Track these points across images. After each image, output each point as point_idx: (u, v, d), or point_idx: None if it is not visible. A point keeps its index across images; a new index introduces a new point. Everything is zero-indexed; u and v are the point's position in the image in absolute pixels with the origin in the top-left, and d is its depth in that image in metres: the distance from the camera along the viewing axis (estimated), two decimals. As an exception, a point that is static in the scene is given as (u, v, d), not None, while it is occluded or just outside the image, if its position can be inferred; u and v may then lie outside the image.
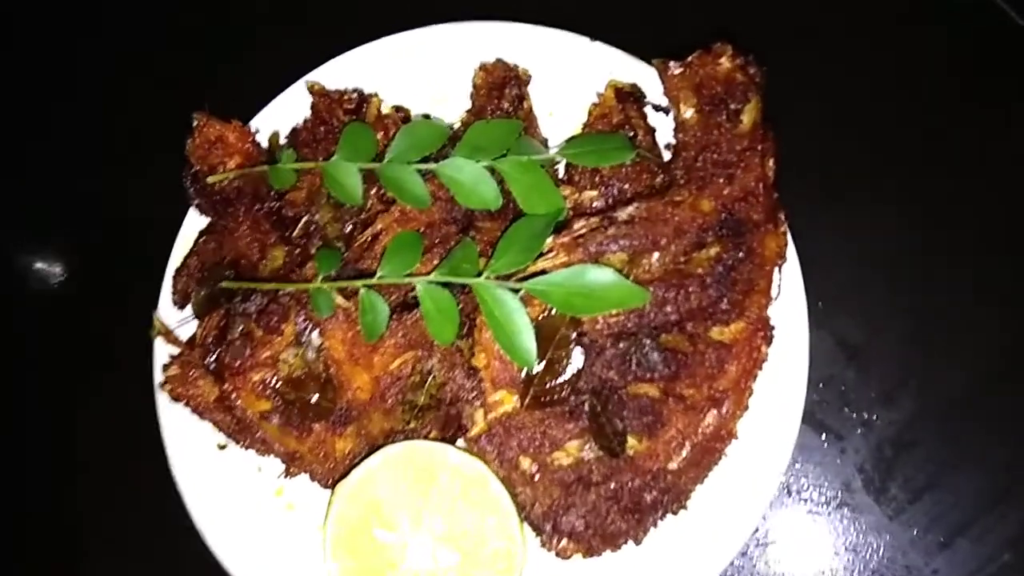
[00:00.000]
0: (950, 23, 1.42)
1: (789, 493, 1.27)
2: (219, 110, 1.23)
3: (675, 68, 1.11)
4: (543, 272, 1.06)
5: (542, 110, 1.27)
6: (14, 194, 1.54)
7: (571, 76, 1.26)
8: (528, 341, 1.03)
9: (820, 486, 1.26)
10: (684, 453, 1.12)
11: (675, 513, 1.13)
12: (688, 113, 1.10)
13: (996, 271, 1.31)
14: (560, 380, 1.06)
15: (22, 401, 1.44)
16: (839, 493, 1.26)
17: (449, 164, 1.11)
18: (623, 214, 1.08)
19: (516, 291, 1.05)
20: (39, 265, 1.51)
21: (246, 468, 1.23)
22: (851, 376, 1.28)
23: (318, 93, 1.20)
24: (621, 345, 1.07)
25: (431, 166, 1.11)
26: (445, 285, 1.07)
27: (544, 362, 1.06)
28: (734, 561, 1.25)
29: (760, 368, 1.13)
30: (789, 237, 1.18)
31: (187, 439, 1.22)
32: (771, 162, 1.11)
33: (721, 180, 1.07)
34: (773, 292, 1.13)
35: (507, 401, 1.08)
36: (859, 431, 1.27)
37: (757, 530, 1.26)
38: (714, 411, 1.12)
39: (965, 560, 1.24)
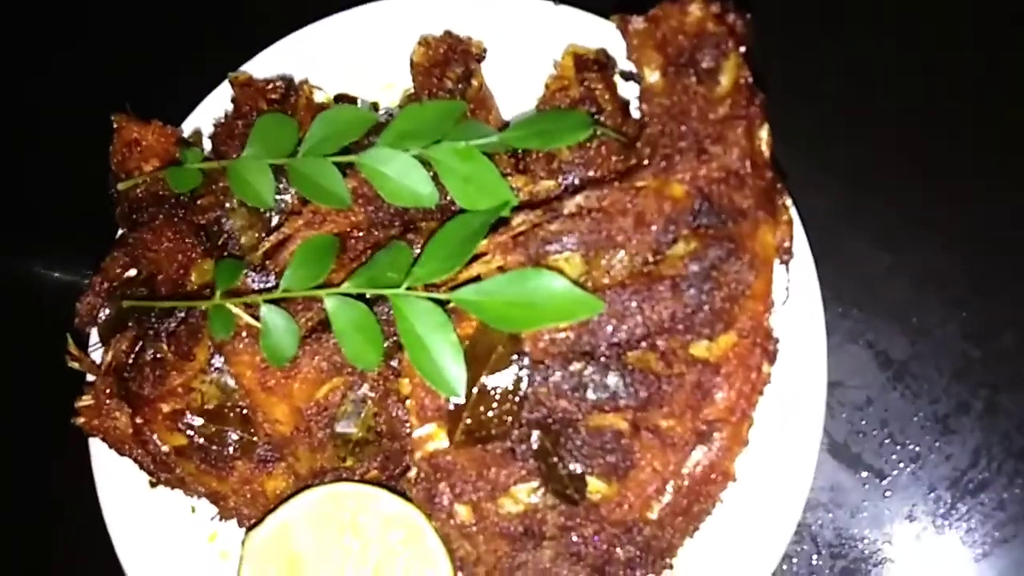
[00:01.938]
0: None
1: (817, 546, 1.02)
2: (157, 112, 1.11)
3: (637, 23, 0.90)
4: (477, 279, 0.88)
5: (505, 89, 1.08)
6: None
7: (535, 48, 1.07)
8: (452, 364, 0.85)
9: (857, 538, 1.01)
10: (665, 500, 0.90)
11: (657, 574, 0.92)
12: (653, 77, 0.89)
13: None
14: (498, 410, 0.87)
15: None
16: (882, 547, 1.00)
17: (372, 154, 0.94)
18: (570, 205, 0.87)
19: (443, 303, 0.87)
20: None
21: (178, 508, 1.10)
22: (895, 399, 1.02)
23: (240, 84, 1.06)
24: (573, 367, 0.86)
25: (351, 158, 0.95)
26: (364, 299, 0.91)
27: (477, 389, 0.87)
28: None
29: (761, 392, 0.90)
30: (799, 227, 0.95)
31: (118, 473, 1.10)
32: (763, 133, 0.88)
33: (693, 157, 0.85)
34: (777, 296, 0.90)
35: (436, 436, 0.89)
36: (907, 469, 1.01)
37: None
38: (702, 447, 0.89)
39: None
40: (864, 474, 1.01)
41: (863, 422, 1.02)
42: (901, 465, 1.01)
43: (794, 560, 1.01)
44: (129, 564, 1.08)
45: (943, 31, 1.12)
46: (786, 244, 0.90)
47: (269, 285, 0.95)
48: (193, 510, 1.10)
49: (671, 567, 0.92)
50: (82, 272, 1.37)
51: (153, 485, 1.10)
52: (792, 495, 0.92)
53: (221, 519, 1.05)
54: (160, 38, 1.47)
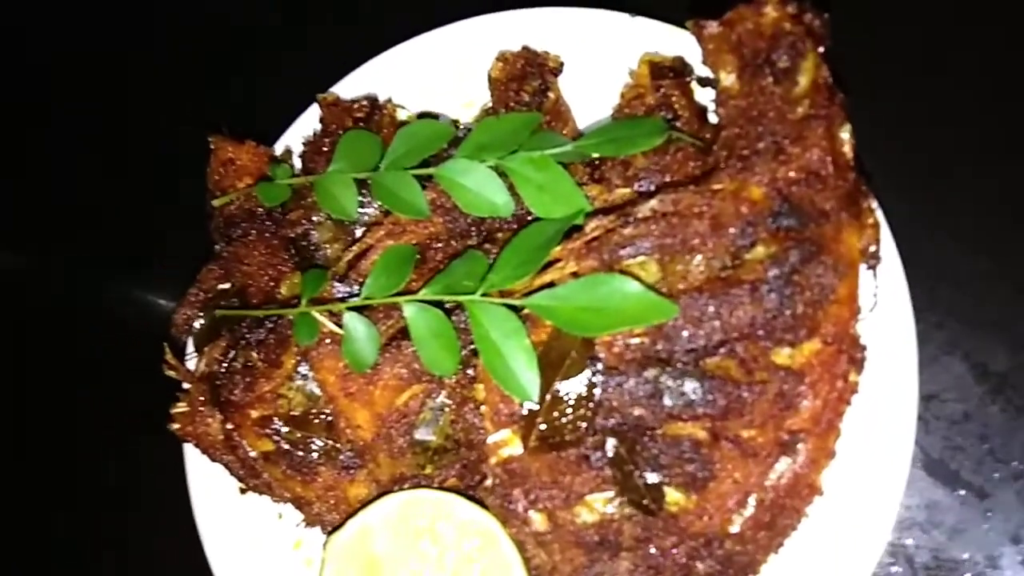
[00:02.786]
0: None
1: (913, 569, 0.96)
2: (255, 132, 1.17)
3: (711, 27, 0.89)
4: (551, 285, 0.88)
5: (584, 101, 1.09)
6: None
7: (614, 60, 1.08)
8: (526, 369, 0.85)
9: (957, 560, 0.95)
10: (747, 513, 0.87)
11: (740, 590, 0.89)
12: (728, 80, 0.88)
13: None
14: (571, 416, 0.86)
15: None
16: (985, 571, 0.94)
17: (449, 166, 0.96)
18: (644, 209, 0.87)
19: (517, 309, 0.87)
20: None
21: (267, 514, 1.13)
22: (996, 413, 0.97)
23: (328, 104, 1.10)
24: (648, 373, 0.85)
25: (430, 170, 0.97)
26: (442, 306, 0.92)
27: (551, 395, 0.87)
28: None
29: (848, 401, 0.87)
30: (887, 230, 0.92)
31: (210, 480, 1.14)
32: (844, 133, 0.86)
33: (771, 158, 0.84)
34: (864, 303, 0.87)
35: (511, 442, 0.89)
36: (1011, 487, 0.95)
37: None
38: (786, 459, 0.87)
39: None
40: (963, 492, 0.96)
41: (960, 437, 0.96)
42: (1003, 483, 0.95)
43: (888, 583, 0.97)
44: (218, 567, 1.11)
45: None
46: (872, 248, 0.87)
47: (352, 293, 0.98)
48: (280, 516, 1.13)
49: (754, 584, 0.89)
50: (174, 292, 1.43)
51: (243, 492, 1.13)
52: (882, 511, 0.88)
53: (306, 526, 1.08)
54: (252, 62, 1.53)
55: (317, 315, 0.95)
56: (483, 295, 0.88)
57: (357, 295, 0.96)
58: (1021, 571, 0.92)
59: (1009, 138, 1.03)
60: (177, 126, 1.42)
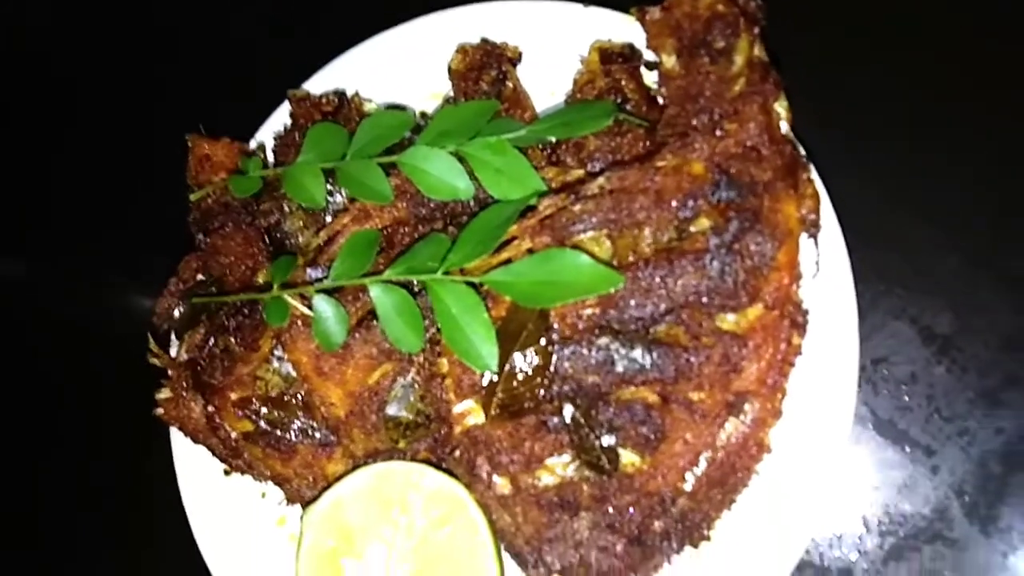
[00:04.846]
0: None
1: (866, 525, 1.00)
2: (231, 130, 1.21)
3: (653, 13, 0.94)
4: (508, 262, 0.93)
5: (541, 89, 1.14)
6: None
7: (568, 49, 1.12)
8: (484, 341, 0.89)
9: (908, 515, 0.99)
10: (699, 471, 0.92)
11: (695, 545, 0.93)
12: (669, 62, 0.93)
13: None
14: (529, 384, 0.91)
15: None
16: (932, 523, 0.98)
17: (411, 153, 1.00)
18: (592, 187, 0.92)
19: (476, 287, 0.92)
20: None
21: (251, 494, 1.18)
22: (941, 374, 1.01)
23: (297, 99, 1.15)
24: (600, 341, 0.90)
25: (393, 158, 1.02)
26: (409, 288, 0.97)
27: (509, 365, 0.91)
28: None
29: (792, 363, 0.91)
30: (826, 199, 0.96)
31: (196, 462, 1.18)
32: (780, 108, 0.90)
33: (709, 133, 0.88)
34: (806, 269, 0.92)
35: (474, 412, 0.94)
36: (956, 444, 0.99)
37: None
38: (734, 418, 0.91)
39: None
40: (911, 450, 1.00)
41: (908, 398, 1.01)
42: (949, 440, 0.99)
43: (841, 539, 1.01)
44: (205, 546, 1.15)
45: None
46: (812, 217, 0.92)
47: (321, 278, 1.03)
48: (263, 495, 1.17)
49: (708, 539, 0.93)
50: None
51: (227, 473, 1.18)
52: (828, 465, 0.92)
53: (288, 503, 1.12)
54: (226, 63, 1.55)
55: (288, 298, 1.00)
56: (444, 273, 0.93)
57: (326, 279, 1.01)
58: (966, 523, 0.96)
59: (954, 108, 1.07)
60: (155, 124, 1.48)
